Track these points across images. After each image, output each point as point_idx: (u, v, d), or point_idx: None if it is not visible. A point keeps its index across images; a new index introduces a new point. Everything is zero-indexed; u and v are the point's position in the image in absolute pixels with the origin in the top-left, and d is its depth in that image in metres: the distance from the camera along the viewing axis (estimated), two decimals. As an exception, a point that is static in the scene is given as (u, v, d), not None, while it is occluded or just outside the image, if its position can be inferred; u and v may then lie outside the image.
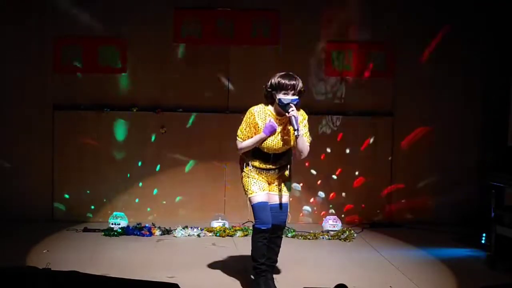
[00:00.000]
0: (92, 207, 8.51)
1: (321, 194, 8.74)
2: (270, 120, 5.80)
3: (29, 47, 8.32)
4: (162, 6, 8.47)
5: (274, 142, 5.86)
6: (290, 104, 5.70)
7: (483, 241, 7.62)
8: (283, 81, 5.75)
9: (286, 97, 5.73)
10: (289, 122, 5.75)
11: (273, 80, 5.80)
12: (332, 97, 8.68)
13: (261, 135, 5.80)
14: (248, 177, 5.96)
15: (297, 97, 5.76)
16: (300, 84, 5.79)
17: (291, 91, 5.74)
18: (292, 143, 5.88)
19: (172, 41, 8.50)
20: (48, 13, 8.32)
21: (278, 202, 5.99)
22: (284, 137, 5.87)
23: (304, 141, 5.82)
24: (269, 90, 5.83)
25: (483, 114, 8.80)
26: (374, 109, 8.77)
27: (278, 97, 5.75)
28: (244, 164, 5.98)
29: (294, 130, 5.68)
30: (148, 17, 8.47)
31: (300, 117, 5.82)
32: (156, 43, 8.50)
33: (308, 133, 5.92)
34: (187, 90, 8.57)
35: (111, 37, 8.44)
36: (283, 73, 5.84)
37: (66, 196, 8.47)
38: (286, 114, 5.71)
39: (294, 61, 8.39)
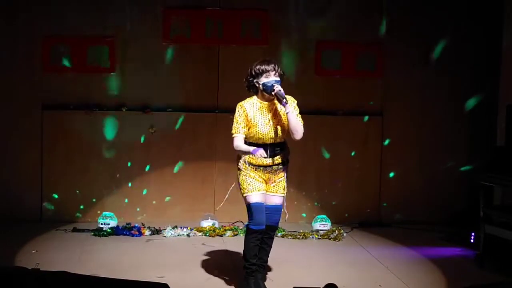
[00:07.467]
0: (81, 207, 8.49)
1: (311, 193, 8.74)
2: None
3: (17, 46, 8.29)
4: (151, 5, 8.46)
5: (267, 129, 5.87)
6: (274, 84, 5.81)
7: (472, 240, 7.63)
8: (262, 67, 5.88)
9: (269, 80, 5.83)
10: (277, 100, 5.85)
11: (252, 70, 5.90)
12: (321, 96, 8.70)
13: (250, 149, 5.84)
14: (244, 175, 5.95)
15: (279, 79, 5.87)
16: (279, 67, 5.91)
17: (272, 72, 5.85)
18: (285, 127, 5.90)
19: (161, 41, 8.49)
20: (36, 12, 8.29)
21: (273, 202, 6.00)
22: (276, 123, 5.90)
23: (297, 119, 5.88)
24: (251, 79, 5.91)
25: (473, 114, 8.82)
26: (364, 109, 8.78)
27: (261, 82, 5.84)
28: (240, 161, 5.97)
29: (282, 103, 5.78)
30: (137, 17, 8.45)
31: (289, 101, 5.88)
32: (145, 43, 8.48)
33: (300, 116, 5.94)
34: (176, 89, 8.56)
35: (100, 37, 8.42)
36: (259, 60, 5.96)
37: (55, 196, 8.45)
38: (272, 93, 5.81)
39: (284, 60, 8.41)
